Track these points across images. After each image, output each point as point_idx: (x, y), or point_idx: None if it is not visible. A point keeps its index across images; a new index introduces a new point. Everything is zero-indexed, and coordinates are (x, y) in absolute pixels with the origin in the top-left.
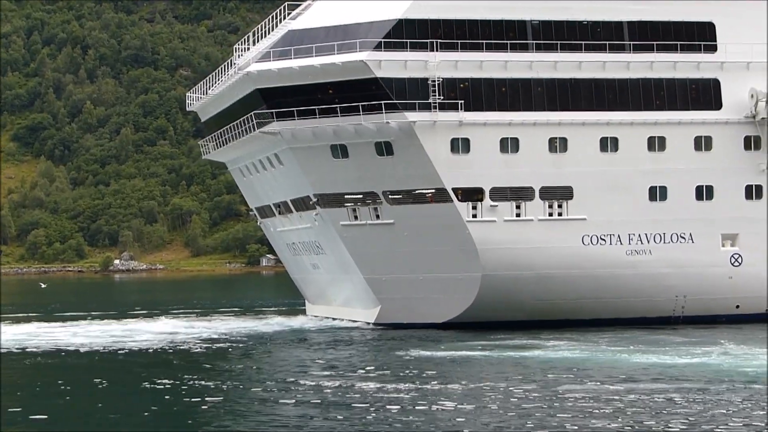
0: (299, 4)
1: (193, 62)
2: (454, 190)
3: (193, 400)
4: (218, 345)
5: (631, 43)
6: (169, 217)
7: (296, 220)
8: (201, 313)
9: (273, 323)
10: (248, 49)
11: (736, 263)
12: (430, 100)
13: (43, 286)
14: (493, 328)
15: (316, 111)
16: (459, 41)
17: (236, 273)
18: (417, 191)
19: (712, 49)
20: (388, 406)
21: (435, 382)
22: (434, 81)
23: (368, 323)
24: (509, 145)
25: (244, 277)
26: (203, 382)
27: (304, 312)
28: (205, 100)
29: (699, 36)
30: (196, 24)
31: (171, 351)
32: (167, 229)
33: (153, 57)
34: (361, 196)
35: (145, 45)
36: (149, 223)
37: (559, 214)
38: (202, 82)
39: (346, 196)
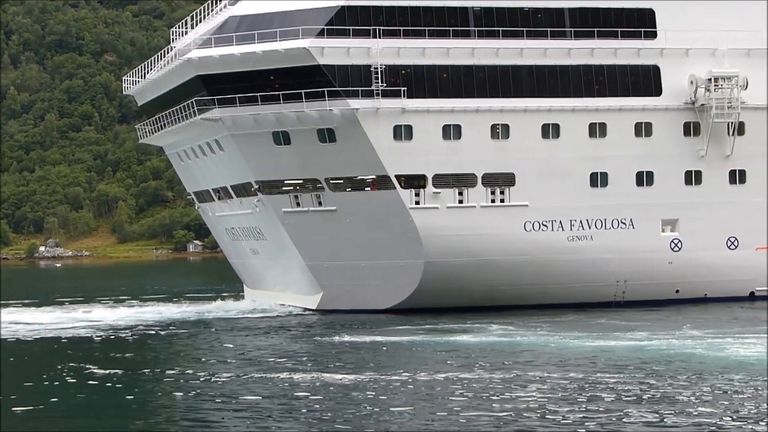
0: None
1: (118, 47)
2: (397, 177)
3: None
4: (143, 332)
5: (572, 29)
6: (95, 204)
7: (236, 206)
8: (139, 299)
9: (208, 308)
10: (186, 33)
11: (676, 248)
12: (373, 87)
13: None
14: (438, 314)
15: (258, 98)
16: (401, 28)
17: (163, 259)
18: (359, 178)
19: (652, 35)
20: (287, 393)
21: (346, 368)
22: (377, 68)
23: (309, 309)
24: (452, 131)
25: (172, 263)
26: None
27: (239, 297)
28: (143, 84)
29: (639, 22)
30: (120, 9)
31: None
32: (93, 215)
33: (77, 42)
34: (303, 182)
35: (69, 30)
36: (75, 209)
37: (502, 201)
38: (139, 66)
39: (288, 183)
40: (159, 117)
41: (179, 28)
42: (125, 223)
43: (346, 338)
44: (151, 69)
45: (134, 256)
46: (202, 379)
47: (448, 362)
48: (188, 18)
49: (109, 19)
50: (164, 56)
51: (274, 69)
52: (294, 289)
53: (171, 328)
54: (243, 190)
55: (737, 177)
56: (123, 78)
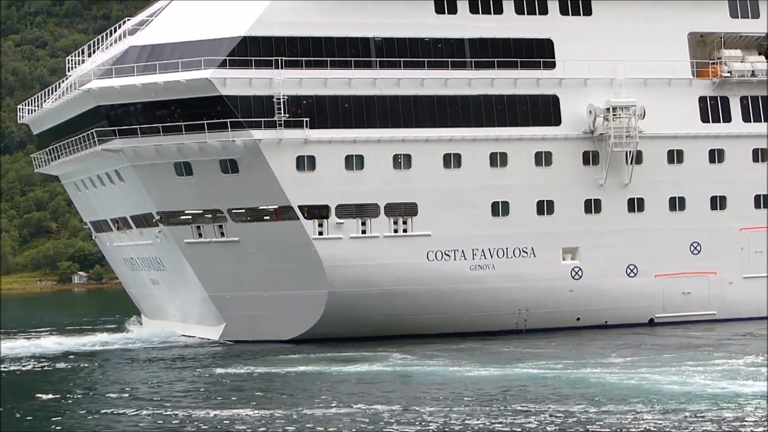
0: (126, 18)
1: None
2: (300, 207)
3: None
4: (34, 365)
5: (473, 60)
6: None
7: (136, 236)
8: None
9: (100, 340)
10: (83, 62)
11: (577, 276)
12: (276, 118)
13: None
14: (341, 344)
15: (160, 128)
16: (303, 59)
17: (48, 291)
18: (262, 209)
19: (551, 65)
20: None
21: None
22: (279, 98)
23: (212, 340)
24: (354, 162)
25: (58, 295)
26: None
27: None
28: (39, 113)
29: (538, 53)
30: (2, 38)
31: None
32: None
33: None
34: (205, 213)
35: None
36: None
37: (404, 231)
38: (36, 96)
39: (190, 214)
40: (57, 146)
41: (75, 56)
42: (8, 255)
43: (231, 370)
44: (47, 98)
45: (18, 288)
46: (79, 412)
47: (317, 395)
48: (85, 47)
49: None
50: (61, 85)
51: (175, 99)
52: (195, 320)
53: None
54: (143, 221)
55: (636, 205)
56: (18, 107)
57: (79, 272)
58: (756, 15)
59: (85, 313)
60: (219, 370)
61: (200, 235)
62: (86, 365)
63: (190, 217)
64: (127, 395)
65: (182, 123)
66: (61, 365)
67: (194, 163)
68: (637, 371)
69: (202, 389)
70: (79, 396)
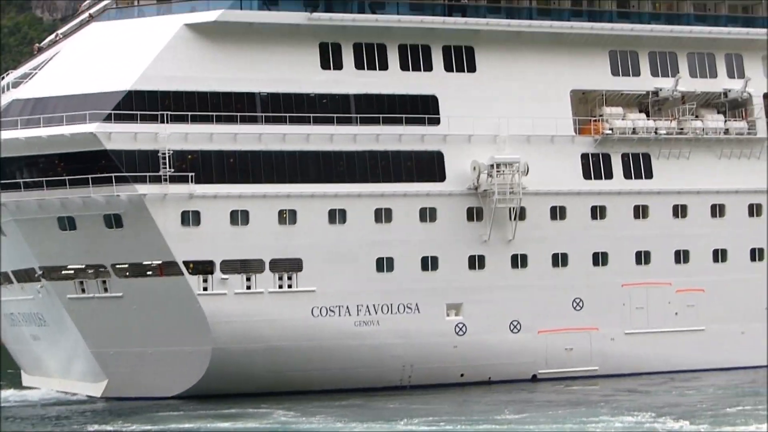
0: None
1: None
2: (185, 263)
3: None
4: None
5: (358, 115)
6: None
7: (17, 291)
8: None
9: None
10: None
11: (461, 332)
12: (161, 173)
13: None
14: (225, 400)
15: (44, 183)
16: (189, 113)
17: None
18: (146, 264)
19: (436, 122)
20: None
21: None
22: (164, 153)
23: (93, 397)
24: (239, 217)
25: None
26: None
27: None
28: None
29: (423, 109)
30: None
31: None
32: None
33: None
34: (88, 268)
35: None
36: None
37: (289, 286)
38: None
39: (72, 269)
40: None
41: None
42: None
43: (107, 427)
44: None
45: None
46: None
47: None
48: None
49: None
50: None
51: (60, 153)
52: (77, 376)
53: None
54: (25, 276)
55: (519, 261)
56: None
57: None
58: (637, 73)
59: None
60: (93, 428)
61: (83, 291)
62: None
63: (72, 272)
64: None
65: (66, 177)
66: None
67: (78, 217)
68: (530, 427)
69: None
70: None
